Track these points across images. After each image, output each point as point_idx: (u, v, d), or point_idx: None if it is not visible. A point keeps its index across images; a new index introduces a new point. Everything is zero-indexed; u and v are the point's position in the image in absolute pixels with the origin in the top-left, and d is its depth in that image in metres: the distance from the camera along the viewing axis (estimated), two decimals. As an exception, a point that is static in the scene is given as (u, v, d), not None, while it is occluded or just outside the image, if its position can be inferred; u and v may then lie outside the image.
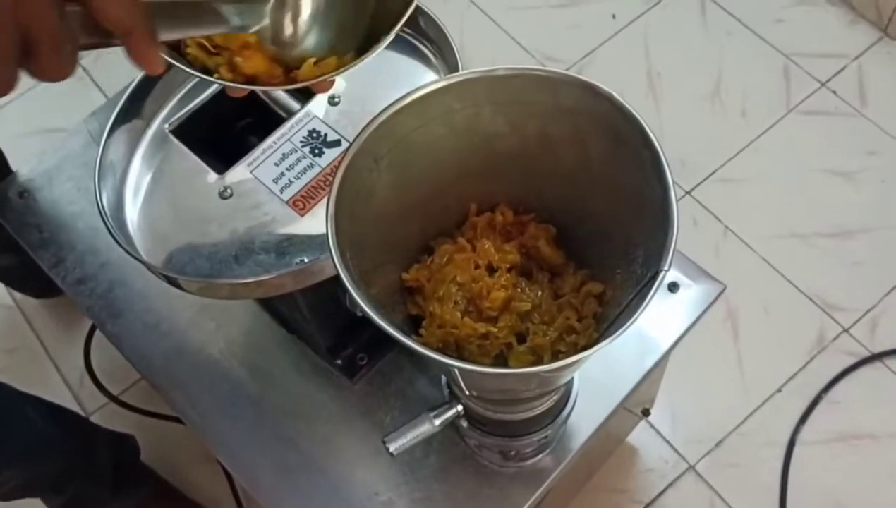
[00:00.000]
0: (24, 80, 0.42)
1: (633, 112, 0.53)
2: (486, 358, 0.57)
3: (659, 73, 1.50)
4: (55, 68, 0.42)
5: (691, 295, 0.85)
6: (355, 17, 0.58)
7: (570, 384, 0.72)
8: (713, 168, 1.41)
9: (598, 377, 0.80)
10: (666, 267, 0.48)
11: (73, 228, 0.94)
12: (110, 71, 1.57)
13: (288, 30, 0.57)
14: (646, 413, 1.14)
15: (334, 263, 0.51)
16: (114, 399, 1.22)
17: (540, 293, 0.61)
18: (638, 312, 0.47)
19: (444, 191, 0.60)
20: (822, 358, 1.26)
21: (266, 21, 0.55)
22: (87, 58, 1.60)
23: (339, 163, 0.54)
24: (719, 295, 0.86)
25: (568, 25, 1.56)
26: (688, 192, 1.39)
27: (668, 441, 1.22)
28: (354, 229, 0.54)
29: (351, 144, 0.54)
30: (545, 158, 0.59)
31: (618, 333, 0.48)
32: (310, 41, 0.57)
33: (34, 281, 1.31)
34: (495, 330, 0.58)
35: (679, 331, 0.84)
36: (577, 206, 0.60)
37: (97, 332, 1.25)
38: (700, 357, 1.25)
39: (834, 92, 1.46)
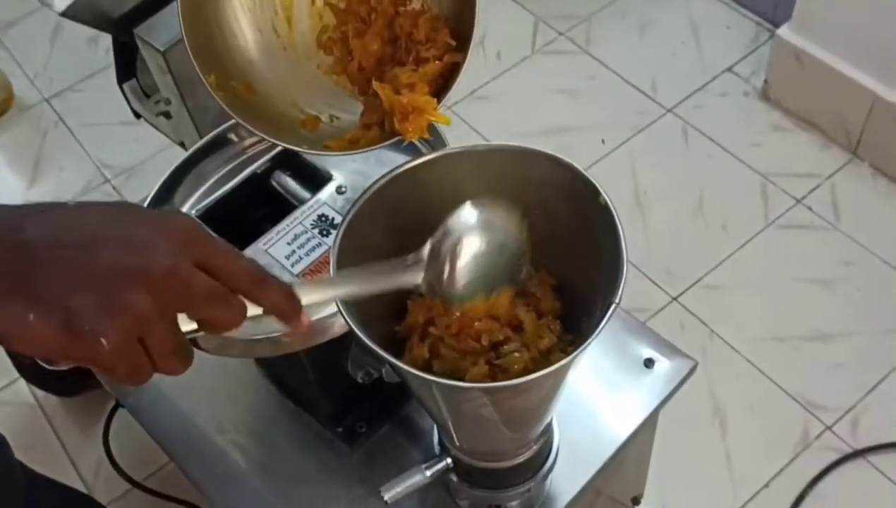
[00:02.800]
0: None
1: (590, 177, 0.63)
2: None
3: (645, 191, 1.61)
4: (171, 370, 0.48)
5: (666, 370, 0.93)
6: None
7: (549, 437, 0.79)
8: (698, 276, 1.50)
9: (580, 441, 0.86)
10: (616, 300, 0.57)
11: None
12: (139, 190, 1.70)
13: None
14: (636, 501, 1.19)
15: (338, 306, 0.60)
16: (135, 484, 1.27)
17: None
18: (593, 335, 0.55)
19: (433, 252, 0.69)
20: (807, 454, 1.31)
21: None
22: (119, 177, 1.74)
23: (343, 219, 0.63)
24: (692, 370, 0.93)
25: (560, 148, 1.65)
26: (674, 299, 1.48)
27: (659, 535, 1.26)
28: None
29: (352, 205, 0.64)
30: (519, 222, 0.68)
31: (574, 355, 0.55)
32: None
33: (57, 380, 1.39)
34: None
35: (655, 402, 0.90)
36: (548, 265, 0.69)
37: (113, 426, 1.32)
38: (689, 453, 1.30)
39: (809, 208, 1.57)
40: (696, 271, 1.51)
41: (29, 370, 1.38)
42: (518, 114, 1.74)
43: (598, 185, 0.62)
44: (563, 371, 0.58)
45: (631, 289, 1.48)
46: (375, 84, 0.61)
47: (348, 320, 0.58)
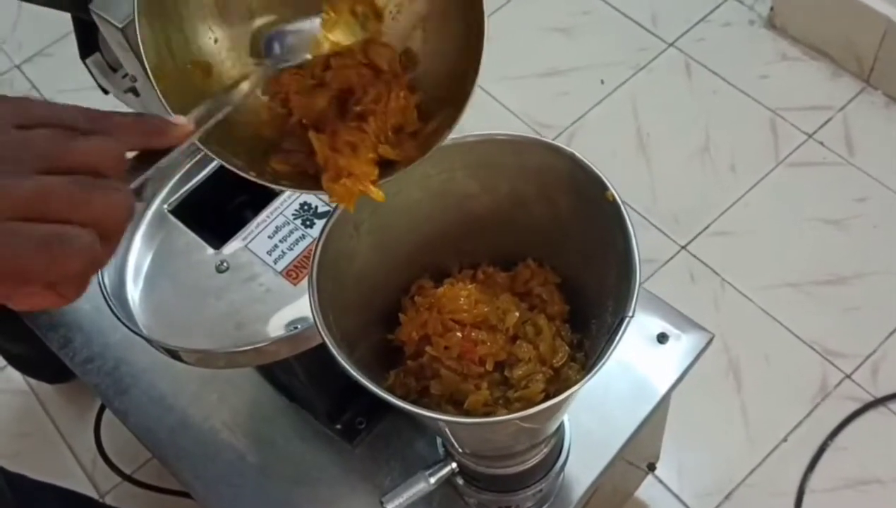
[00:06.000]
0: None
1: (594, 168, 0.56)
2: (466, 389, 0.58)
3: (648, 133, 1.54)
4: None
5: (681, 345, 0.87)
6: None
7: (560, 436, 0.74)
8: (706, 222, 1.44)
9: (593, 429, 0.82)
10: (630, 314, 0.51)
11: (80, 310, 0.97)
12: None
13: None
14: (651, 468, 1.15)
15: (316, 325, 0.54)
16: (126, 477, 1.23)
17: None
18: (604, 358, 0.50)
19: (425, 251, 0.63)
20: (825, 405, 1.27)
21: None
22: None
23: (321, 230, 0.57)
24: (708, 344, 0.87)
25: (558, 92, 1.61)
26: (683, 247, 1.42)
27: (677, 496, 1.22)
28: (337, 292, 0.57)
29: (331, 212, 0.57)
30: (518, 217, 0.62)
31: (585, 379, 0.50)
32: None
33: (46, 368, 1.34)
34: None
35: (670, 382, 0.85)
36: (552, 261, 0.63)
37: (107, 413, 1.27)
38: (704, 409, 1.26)
39: (821, 143, 1.50)
40: (705, 217, 1.44)
41: (17, 359, 1.33)
42: (511, 56, 1.65)
43: (604, 178, 0.56)
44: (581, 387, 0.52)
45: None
46: (312, 135, 0.52)
47: (335, 352, 0.52)
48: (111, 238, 0.39)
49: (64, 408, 1.39)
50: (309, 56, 0.52)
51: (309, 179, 0.53)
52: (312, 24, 0.52)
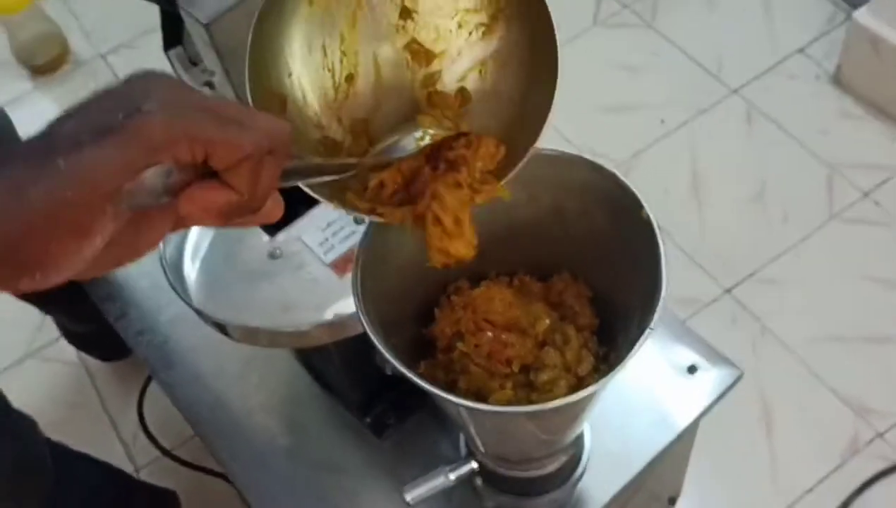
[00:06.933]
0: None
1: (632, 188, 0.59)
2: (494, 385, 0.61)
3: (704, 175, 1.55)
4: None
5: (710, 378, 0.89)
6: None
7: (579, 448, 0.76)
8: (753, 268, 1.44)
9: (614, 449, 0.83)
10: (652, 325, 0.53)
11: (137, 286, 1.02)
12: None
13: None
14: (672, 502, 1.16)
15: (358, 312, 0.57)
16: (166, 452, 1.28)
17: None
18: (625, 360, 0.52)
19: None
20: (855, 461, 1.26)
21: None
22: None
23: (367, 226, 0.60)
24: (737, 380, 0.89)
25: (617, 127, 1.63)
26: (727, 291, 1.43)
27: (695, 534, 1.23)
28: (380, 281, 0.61)
29: (367, 228, 0.61)
30: (557, 229, 0.65)
31: (605, 379, 0.52)
32: None
33: (103, 348, 1.40)
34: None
35: (695, 413, 0.87)
36: (585, 275, 0.66)
37: (149, 390, 1.33)
38: (732, 451, 1.27)
39: (876, 202, 1.50)
40: (752, 263, 1.45)
41: (76, 336, 1.40)
42: (574, 89, 1.63)
43: (640, 198, 0.58)
44: (595, 394, 0.54)
45: (681, 279, 1.42)
46: (429, 218, 0.55)
47: (372, 336, 0.56)
48: (277, 151, 0.41)
49: (111, 383, 1.44)
50: (413, 149, 0.56)
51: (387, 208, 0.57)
52: (415, 135, 0.57)
